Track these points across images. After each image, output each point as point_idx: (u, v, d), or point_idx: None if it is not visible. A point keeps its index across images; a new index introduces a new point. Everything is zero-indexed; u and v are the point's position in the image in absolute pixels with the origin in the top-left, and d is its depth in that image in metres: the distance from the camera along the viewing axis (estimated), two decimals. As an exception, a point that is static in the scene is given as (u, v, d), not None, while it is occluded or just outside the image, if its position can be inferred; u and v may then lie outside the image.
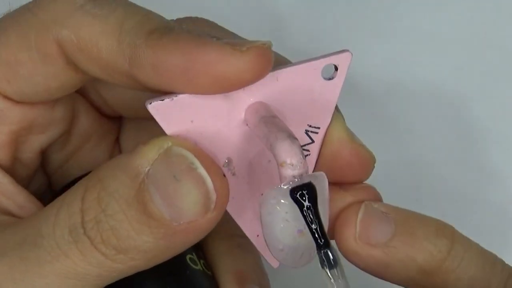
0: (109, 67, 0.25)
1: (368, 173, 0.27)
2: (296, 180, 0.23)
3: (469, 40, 0.44)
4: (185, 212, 0.23)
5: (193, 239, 0.24)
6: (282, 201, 0.24)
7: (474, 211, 0.44)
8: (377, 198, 0.28)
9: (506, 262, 0.27)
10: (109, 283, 0.25)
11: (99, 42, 0.24)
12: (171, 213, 0.23)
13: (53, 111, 0.29)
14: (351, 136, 0.27)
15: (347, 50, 0.26)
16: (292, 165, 0.23)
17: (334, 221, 0.27)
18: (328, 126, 0.27)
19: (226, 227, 0.29)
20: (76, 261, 0.24)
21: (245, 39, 0.26)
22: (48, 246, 0.24)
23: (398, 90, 0.44)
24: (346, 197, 0.27)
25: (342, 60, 0.26)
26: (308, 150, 0.27)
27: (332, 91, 0.26)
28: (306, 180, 0.23)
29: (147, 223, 0.23)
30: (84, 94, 0.31)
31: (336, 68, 0.26)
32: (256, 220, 0.26)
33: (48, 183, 0.32)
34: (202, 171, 0.23)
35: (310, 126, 0.27)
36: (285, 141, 0.23)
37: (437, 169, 0.44)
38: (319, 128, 0.27)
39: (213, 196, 0.23)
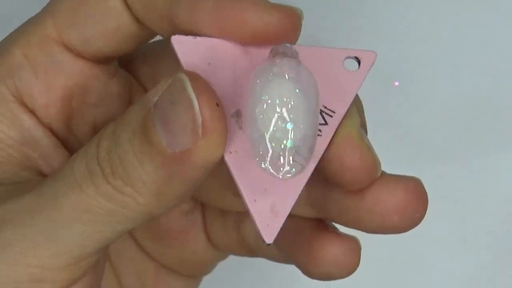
0: (152, 5, 0.26)
1: (367, 180, 0.26)
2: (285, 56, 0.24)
3: (470, 40, 0.44)
4: (177, 136, 0.23)
5: (191, 173, 0.24)
6: (265, 77, 0.24)
7: (474, 211, 0.44)
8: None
9: None
10: (125, 227, 0.25)
11: None
12: (167, 139, 0.23)
13: (111, 81, 0.29)
14: (361, 136, 0.26)
15: (373, 51, 0.27)
16: (281, 45, 0.24)
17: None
18: (343, 118, 0.26)
19: None
20: (89, 193, 0.24)
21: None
22: (66, 179, 0.24)
23: (398, 90, 0.44)
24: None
25: (366, 56, 0.27)
26: (320, 130, 0.27)
27: (353, 82, 0.27)
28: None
29: (148, 152, 0.24)
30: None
31: (359, 63, 0.27)
32: (257, 182, 0.25)
33: None
34: (190, 92, 0.23)
35: (325, 107, 0.27)
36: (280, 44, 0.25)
37: (437, 169, 0.44)
38: (334, 112, 0.27)
39: (199, 120, 0.23)
